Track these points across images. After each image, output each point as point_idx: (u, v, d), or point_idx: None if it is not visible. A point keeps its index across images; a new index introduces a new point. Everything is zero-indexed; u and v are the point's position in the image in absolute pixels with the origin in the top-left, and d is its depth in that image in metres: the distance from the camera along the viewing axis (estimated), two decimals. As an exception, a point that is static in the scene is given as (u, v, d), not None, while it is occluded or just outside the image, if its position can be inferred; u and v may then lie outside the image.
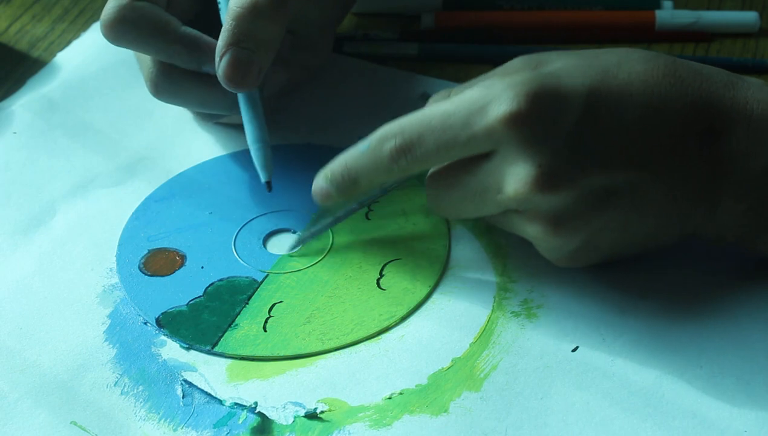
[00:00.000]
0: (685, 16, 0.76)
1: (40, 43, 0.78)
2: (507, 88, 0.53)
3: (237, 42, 0.59)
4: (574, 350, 0.55)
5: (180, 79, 0.62)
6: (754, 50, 0.75)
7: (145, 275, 0.59)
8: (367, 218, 0.63)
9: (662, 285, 0.59)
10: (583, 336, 0.56)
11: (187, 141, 0.68)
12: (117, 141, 0.68)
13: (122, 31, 0.60)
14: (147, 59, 0.62)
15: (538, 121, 0.52)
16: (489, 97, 0.53)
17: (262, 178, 0.61)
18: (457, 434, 0.52)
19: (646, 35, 0.76)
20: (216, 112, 0.65)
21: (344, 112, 0.70)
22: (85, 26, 0.79)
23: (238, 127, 0.68)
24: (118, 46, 0.61)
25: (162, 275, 0.60)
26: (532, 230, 0.55)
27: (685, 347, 0.56)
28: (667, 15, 0.76)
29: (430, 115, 0.55)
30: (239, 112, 0.63)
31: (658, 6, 0.78)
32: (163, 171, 0.66)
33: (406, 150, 0.55)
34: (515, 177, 0.53)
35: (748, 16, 0.76)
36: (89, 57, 0.75)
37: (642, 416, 0.52)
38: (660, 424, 0.52)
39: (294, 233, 0.62)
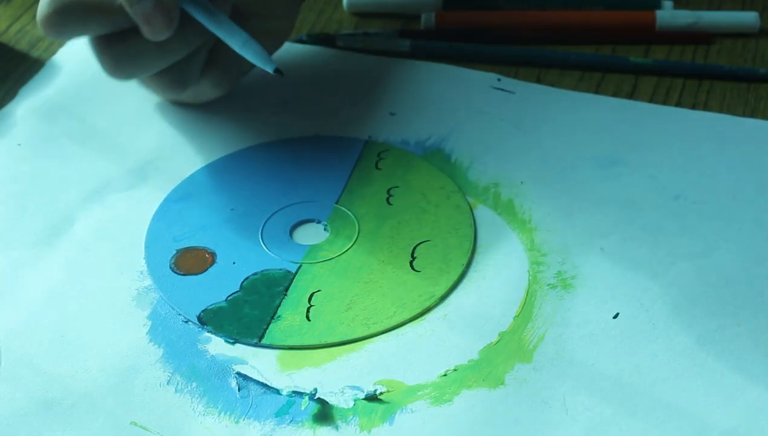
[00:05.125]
0: (686, 17, 0.77)
1: (40, 43, 0.78)
2: None
3: None
4: (615, 317, 0.57)
5: (135, 43, 0.62)
6: (754, 51, 0.76)
7: (178, 274, 0.59)
8: (389, 203, 0.63)
9: (689, 248, 0.60)
10: (621, 303, 0.57)
11: (193, 139, 0.68)
12: (123, 144, 0.68)
13: (64, 20, 0.60)
14: (96, 45, 0.62)
15: None
16: None
17: (270, 70, 0.60)
18: (518, 404, 0.53)
19: (646, 36, 0.77)
20: (182, 55, 0.63)
21: (346, 103, 0.71)
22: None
23: (241, 124, 0.68)
24: (61, 38, 0.61)
25: (195, 274, 0.59)
26: None
27: (721, 306, 0.57)
28: (667, 15, 0.77)
29: None
30: (200, 47, 0.64)
31: (659, 6, 0.78)
32: (175, 171, 0.66)
33: None
34: None
35: (749, 17, 0.77)
36: (84, 58, 0.74)
37: (691, 376, 0.54)
38: (710, 381, 0.53)
39: (319, 223, 0.62)
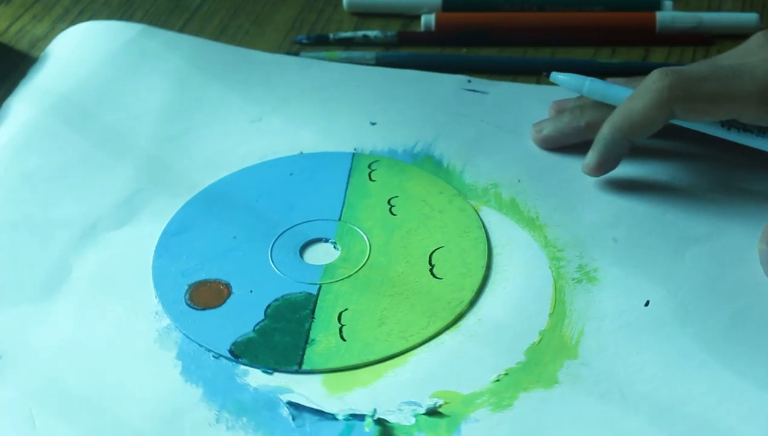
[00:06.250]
0: (686, 18, 0.77)
1: (40, 43, 0.78)
2: None
3: None
4: (646, 305, 0.57)
5: None
6: (753, 51, 0.77)
7: (197, 309, 0.57)
8: (392, 214, 0.62)
9: (697, 231, 0.61)
10: (648, 291, 0.58)
11: (173, 168, 0.66)
12: (102, 177, 0.65)
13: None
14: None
15: None
16: None
17: None
18: (577, 401, 0.52)
19: (646, 37, 0.77)
20: None
21: (323, 116, 0.70)
22: (85, 26, 0.78)
23: (219, 148, 0.67)
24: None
25: (214, 307, 0.58)
26: None
27: (745, 285, 0.58)
28: (667, 17, 0.77)
29: None
30: None
31: (659, 6, 0.79)
32: (162, 200, 0.64)
33: None
34: None
35: (749, 18, 0.78)
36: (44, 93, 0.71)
37: (734, 355, 0.54)
38: (752, 358, 0.54)
39: (327, 241, 0.61)
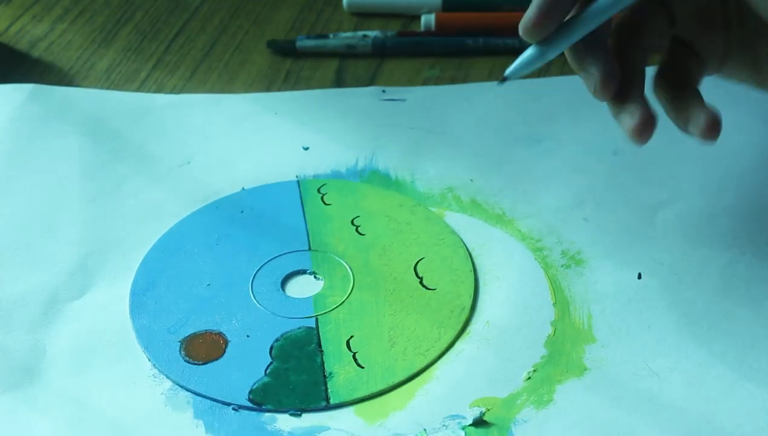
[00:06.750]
0: None
1: (40, 43, 0.78)
2: None
3: None
4: (639, 278, 0.58)
5: None
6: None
7: (198, 365, 0.55)
8: (360, 233, 0.61)
9: (658, 197, 0.63)
10: (636, 264, 0.59)
11: (114, 221, 0.63)
12: (44, 246, 0.61)
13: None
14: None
15: None
16: None
17: None
18: (612, 384, 0.53)
19: None
20: None
21: (253, 149, 0.68)
22: (85, 26, 0.79)
23: (159, 197, 0.64)
24: None
25: (216, 359, 0.55)
26: None
27: (721, 240, 0.60)
28: None
29: None
30: None
31: None
32: (116, 260, 0.60)
33: None
34: None
35: None
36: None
37: (742, 309, 0.56)
38: (758, 313, 0.56)
39: (305, 273, 0.59)
